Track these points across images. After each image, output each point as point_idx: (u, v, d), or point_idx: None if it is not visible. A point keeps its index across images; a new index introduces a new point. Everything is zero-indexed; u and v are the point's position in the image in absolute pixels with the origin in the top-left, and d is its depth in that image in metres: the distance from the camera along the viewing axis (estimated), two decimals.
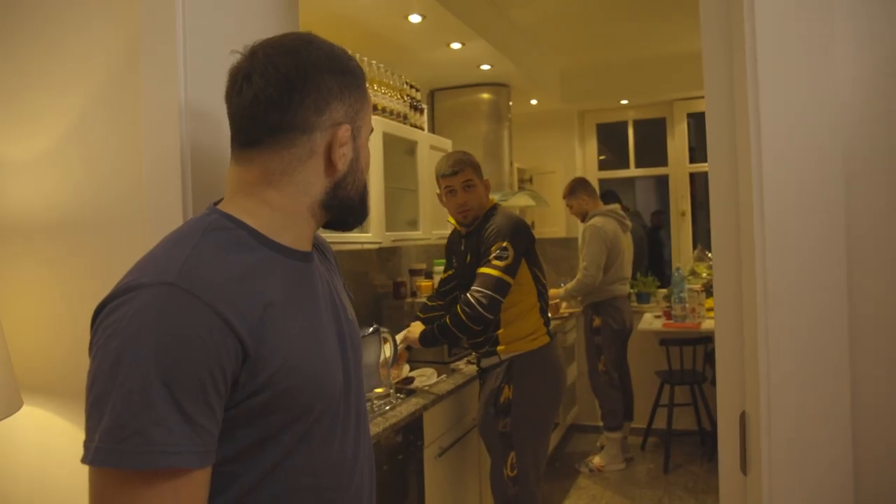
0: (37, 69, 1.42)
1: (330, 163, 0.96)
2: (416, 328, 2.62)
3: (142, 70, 1.27)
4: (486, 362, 2.61)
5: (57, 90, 1.40)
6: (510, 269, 2.41)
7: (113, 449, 0.74)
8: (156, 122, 1.25)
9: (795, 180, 0.96)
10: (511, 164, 4.53)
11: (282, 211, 0.95)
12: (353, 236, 2.75)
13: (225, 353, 0.80)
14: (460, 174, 2.55)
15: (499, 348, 2.54)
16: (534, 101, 5.00)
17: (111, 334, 0.78)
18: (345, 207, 1.01)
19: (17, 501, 1.43)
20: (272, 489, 0.89)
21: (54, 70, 1.40)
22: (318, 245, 1.15)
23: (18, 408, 1.35)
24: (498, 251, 2.41)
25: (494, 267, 2.39)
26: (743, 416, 1.12)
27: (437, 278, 3.72)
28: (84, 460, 0.76)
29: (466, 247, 2.62)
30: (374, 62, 3.07)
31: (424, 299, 3.04)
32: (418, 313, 2.92)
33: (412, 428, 2.41)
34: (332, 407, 0.95)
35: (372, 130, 1.06)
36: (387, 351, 2.43)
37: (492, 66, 3.89)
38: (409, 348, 2.68)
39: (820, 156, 0.95)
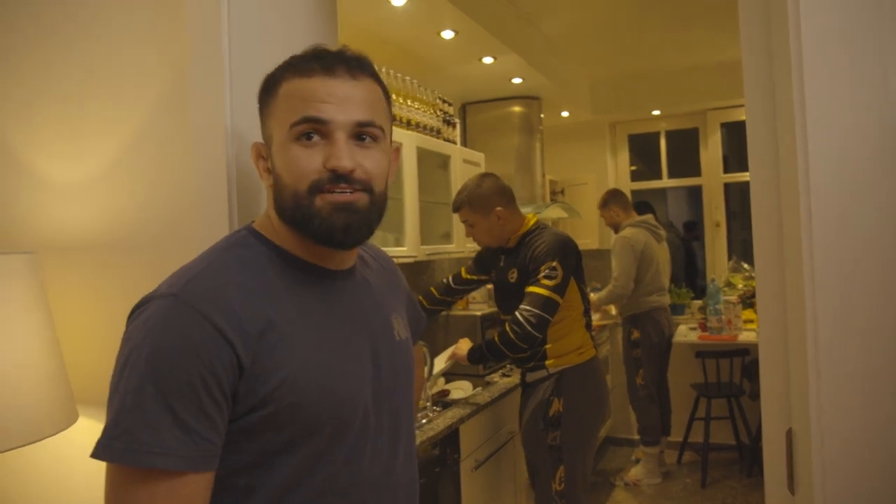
0: (89, 93, 1.47)
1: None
2: (465, 345, 2.63)
3: (191, 98, 1.32)
4: (532, 376, 2.60)
5: (107, 116, 1.45)
6: (559, 289, 2.41)
7: (107, 444, 0.80)
8: (204, 147, 1.30)
9: (844, 190, 0.95)
10: (543, 176, 4.53)
11: (272, 223, 0.98)
12: (389, 251, 2.78)
13: (219, 362, 0.82)
14: (458, 213, 2.64)
15: (547, 362, 2.53)
16: (565, 113, 5.00)
17: (126, 340, 0.85)
18: (286, 219, 0.94)
19: None
20: None
21: (106, 94, 1.46)
22: (379, 261, 1.16)
23: (74, 420, 1.39)
24: (547, 270, 2.40)
25: (543, 286, 2.39)
26: (789, 434, 1.11)
27: None
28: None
29: (507, 263, 2.62)
30: (407, 78, 3.11)
31: (449, 281, 3.00)
32: (433, 289, 2.96)
33: (449, 441, 2.42)
34: (352, 426, 0.94)
35: (296, 126, 0.90)
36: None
37: (523, 79, 3.91)
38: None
39: (869, 163, 0.94)
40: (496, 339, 2.46)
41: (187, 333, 0.82)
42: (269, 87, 0.96)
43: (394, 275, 1.20)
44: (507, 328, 2.42)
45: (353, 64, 0.94)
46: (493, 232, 2.58)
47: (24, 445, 1.28)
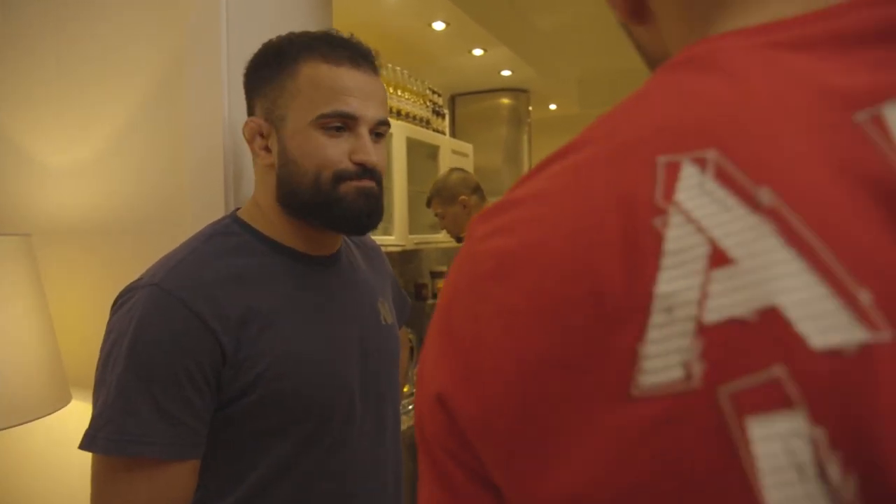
0: (84, 78, 1.48)
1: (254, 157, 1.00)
2: None
3: (187, 86, 1.32)
4: None
5: (103, 99, 1.46)
6: None
7: (94, 435, 0.81)
8: (200, 134, 1.31)
9: None
10: (530, 167, 4.56)
11: (261, 209, 0.98)
12: (377, 239, 2.80)
13: (201, 350, 0.83)
14: (431, 208, 2.78)
15: None
16: (553, 107, 5.04)
17: (109, 331, 0.86)
18: (297, 203, 0.95)
19: (67, 490, 1.50)
20: (284, 492, 0.91)
21: (101, 80, 1.47)
22: (364, 247, 1.16)
23: (67, 402, 1.41)
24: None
25: None
26: None
27: None
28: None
29: None
30: (398, 68, 3.13)
31: None
32: None
33: None
34: (339, 411, 0.95)
35: (327, 118, 0.92)
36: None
37: (512, 71, 3.94)
38: None
39: None
40: None
41: (169, 322, 0.83)
42: (283, 64, 0.94)
43: (378, 259, 1.20)
44: None
45: (370, 59, 0.97)
46: (458, 221, 2.70)
47: (17, 425, 1.29)
